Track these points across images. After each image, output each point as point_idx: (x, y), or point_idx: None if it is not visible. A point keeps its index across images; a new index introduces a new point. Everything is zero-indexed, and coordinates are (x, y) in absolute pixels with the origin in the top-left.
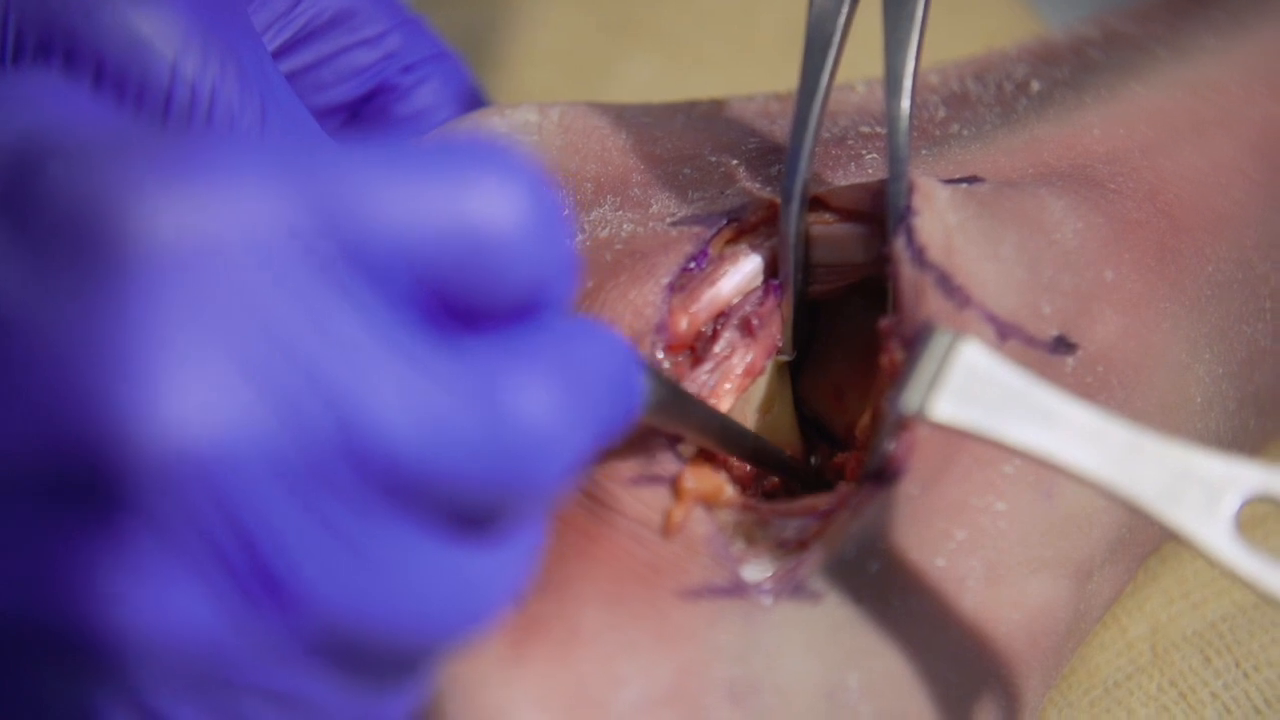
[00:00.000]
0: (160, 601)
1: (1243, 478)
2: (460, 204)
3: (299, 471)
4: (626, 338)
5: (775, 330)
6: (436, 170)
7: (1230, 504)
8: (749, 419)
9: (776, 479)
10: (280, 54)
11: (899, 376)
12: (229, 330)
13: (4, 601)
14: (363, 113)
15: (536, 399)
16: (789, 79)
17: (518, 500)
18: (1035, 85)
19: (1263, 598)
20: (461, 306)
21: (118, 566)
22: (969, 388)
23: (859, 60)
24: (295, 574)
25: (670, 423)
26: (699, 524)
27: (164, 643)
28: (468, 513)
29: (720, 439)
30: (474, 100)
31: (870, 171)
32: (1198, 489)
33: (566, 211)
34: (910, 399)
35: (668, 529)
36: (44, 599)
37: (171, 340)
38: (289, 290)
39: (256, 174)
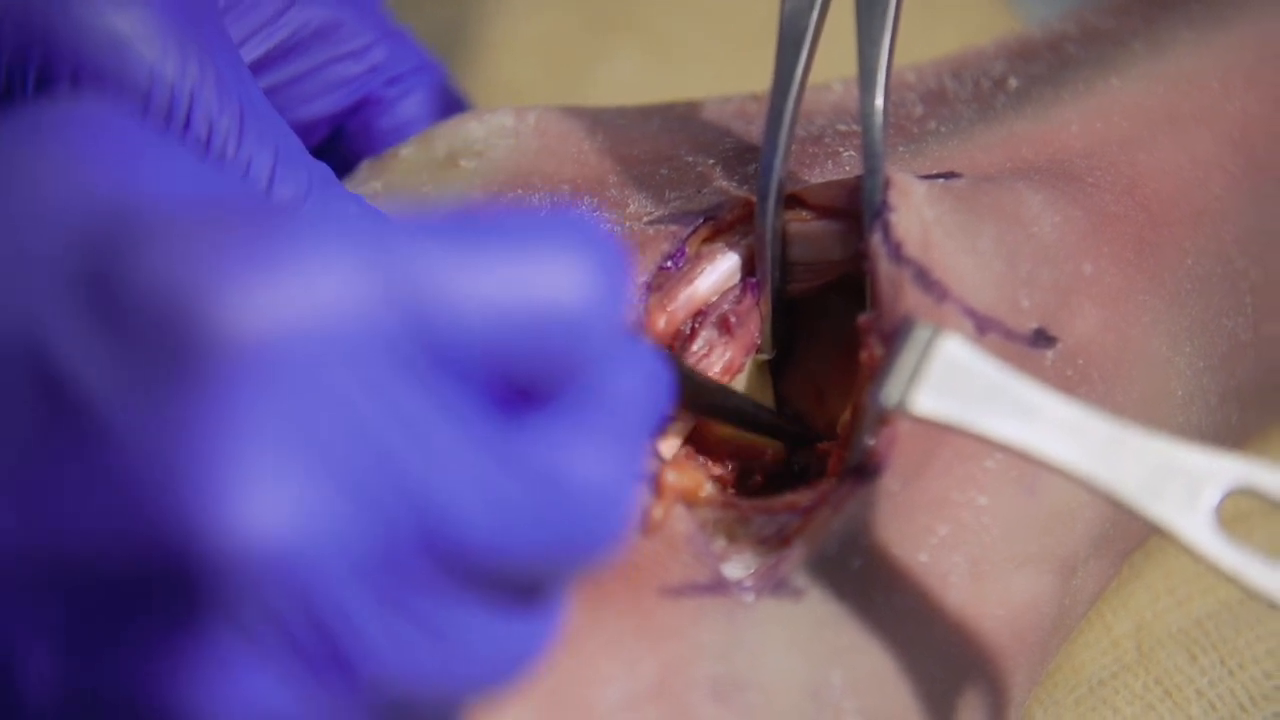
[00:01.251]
0: (237, 691)
1: (1223, 470)
2: (538, 295)
3: (376, 565)
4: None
5: (754, 328)
6: (514, 257)
7: (1211, 497)
8: None
9: (760, 477)
10: (264, 66)
11: (879, 371)
12: (311, 428)
13: (85, 688)
14: (347, 125)
15: (599, 470)
16: (768, 74)
17: (574, 565)
18: (1013, 82)
19: (1244, 591)
20: (530, 385)
21: (196, 660)
22: (949, 382)
23: (836, 59)
24: (369, 658)
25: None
26: (680, 522)
27: None
28: (529, 585)
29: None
30: (458, 110)
31: (848, 169)
32: (1179, 482)
33: (626, 267)
34: (890, 393)
35: (648, 527)
36: (124, 690)
37: (252, 438)
38: (371, 387)
39: (339, 264)
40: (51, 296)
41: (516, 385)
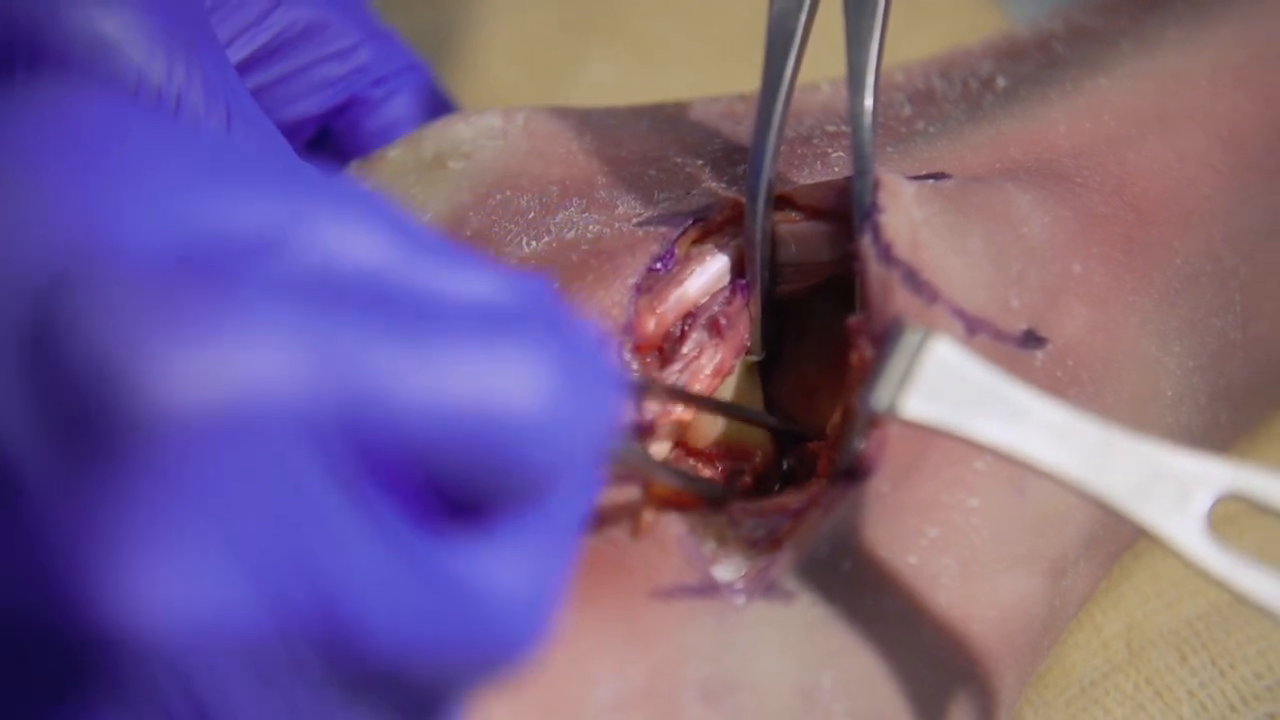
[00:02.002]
0: None
1: (1214, 475)
2: (484, 408)
3: (270, 660)
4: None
5: (744, 330)
6: (467, 359)
7: (1201, 502)
8: (718, 420)
9: (749, 480)
10: (250, 65)
11: (869, 374)
12: (222, 515)
13: None
14: (333, 126)
15: (516, 590)
16: (754, 75)
17: (477, 678)
18: (1001, 81)
19: (1234, 595)
20: (461, 497)
21: None
22: (940, 385)
23: (824, 59)
24: None
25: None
26: (669, 524)
27: None
28: (428, 698)
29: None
30: (444, 111)
31: (836, 170)
32: (1169, 487)
33: (613, 386)
34: (881, 396)
35: (638, 529)
36: None
37: (160, 518)
38: (291, 479)
39: (277, 345)
40: None
41: (447, 496)
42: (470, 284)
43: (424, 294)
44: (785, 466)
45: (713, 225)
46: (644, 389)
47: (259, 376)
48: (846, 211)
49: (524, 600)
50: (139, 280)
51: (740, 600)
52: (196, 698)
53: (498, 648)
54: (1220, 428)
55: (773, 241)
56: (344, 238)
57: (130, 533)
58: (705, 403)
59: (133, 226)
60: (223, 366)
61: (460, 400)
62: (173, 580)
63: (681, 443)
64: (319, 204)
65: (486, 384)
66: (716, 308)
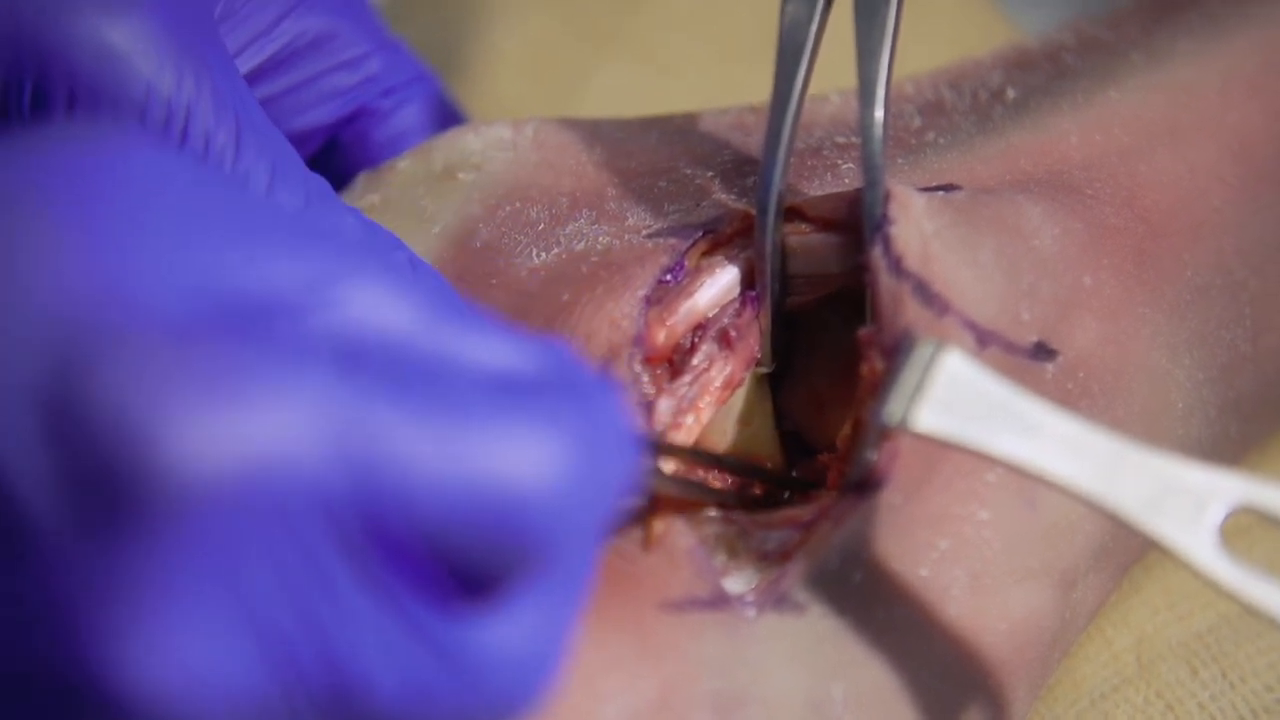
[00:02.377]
0: None
1: (1226, 488)
2: (500, 488)
3: None
4: (603, 364)
5: (754, 342)
6: (485, 437)
7: (1214, 515)
8: (728, 431)
9: (759, 492)
10: (260, 75)
11: (881, 387)
12: (233, 584)
13: None
14: (342, 136)
15: (523, 656)
16: (764, 86)
17: None
18: (1011, 93)
19: (1246, 609)
20: (472, 573)
21: None
22: (952, 398)
23: (834, 70)
24: None
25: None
26: (680, 536)
27: None
28: None
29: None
30: (453, 121)
31: (847, 181)
32: (1181, 500)
33: (628, 457)
34: (893, 410)
35: (648, 542)
36: None
37: (168, 586)
38: (303, 551)
39: (295, 415)
40: (9, 411)
41: (464, 576)
42: (493, 351)
43: (446, 362)
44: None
45: (723, 237)
46: (656, 449)
47: (277, 447)
48: (857, 223)
49: (529, 665)
50: (160, 338)
51: (751, 613)
52: None
53: (503, 710)
54: (1230, 440)
55: (783, 253)
56: (370, 302)
57: (141, 597)
58: (713, 459)
59: (155, 282)
60: (242, 434)
61: (473, 481)
62: (181, 646)
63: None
64: (346, 267)
65: (499, 465)
66: (726, 319)
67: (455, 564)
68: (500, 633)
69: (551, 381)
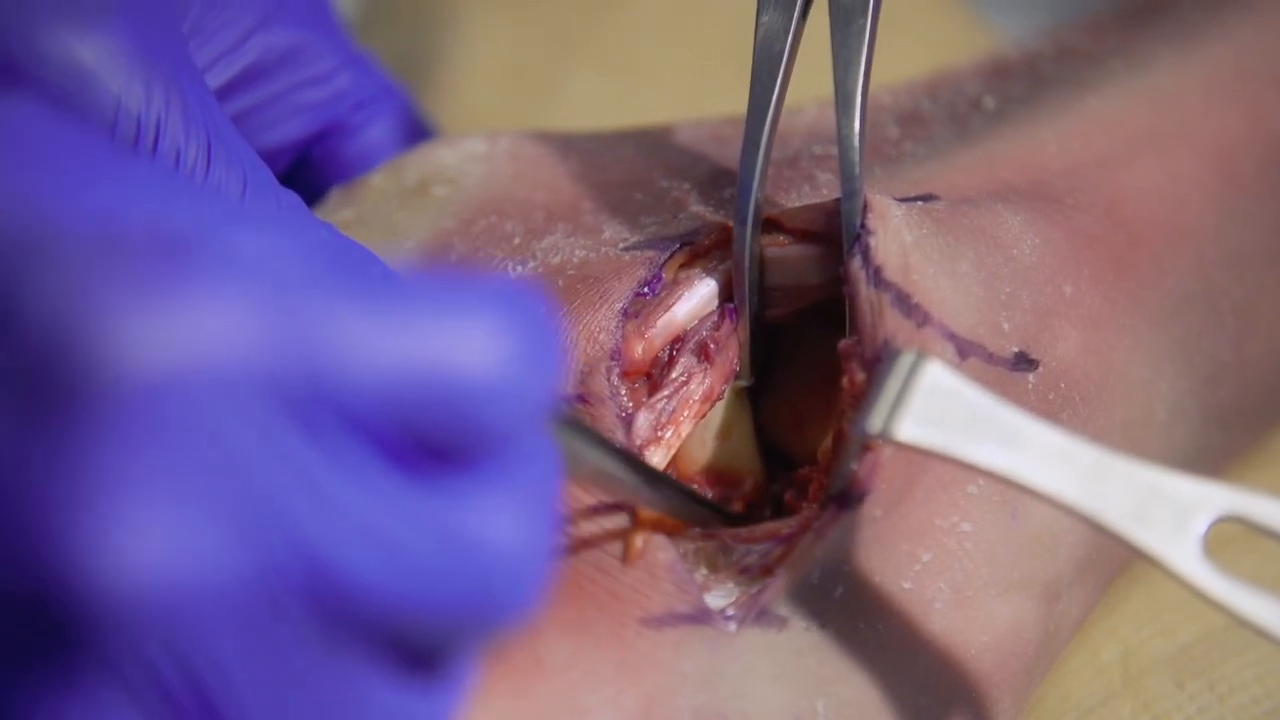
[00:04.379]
0: None
1: (1210, 498)
2: (446, 359)
3: (255, 612)
4: (581, 365)
5: (733, 355)
6: (417, 315)
7: (1199, 525)
8: (707, 446)
9: (740, 506)
10: (227, 91)
11: (863, 398)
12: (193, 470)
13: None
14: (312, 152)
15: (509, 534)
16: (737, 95)
17: (475, 631)
18: (989, 101)
19: (1232, 619)
20: (434, 446)
21: (64, 703)
22: (934, 409)
23: (810, 81)
24: (242, 717)
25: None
26: (660, 551)
27: None
28: (420, 650)
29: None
30: (423, 135)
31: (825, 192)
32: (1165, 510)
33: (558, 345)
34: (874, 420)
35: (628, 556)
36: None
37: (129, 476)
38: (258, 430)
39: (238, 305)
40: None
41: (424, 448)
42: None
43: (378, 270)
44: (775, 492)
45: (700, 249)
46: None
47: (221, 334)
48: (835, 234)
49: (516, 548)
50: (92, 244)
51: (732, 627)
52: (183, 658)
53: (492, 597)
54: (1213, 449)
55: (761, 265)
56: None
57: (100, 492)
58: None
59: (75, 207)
60: (184, 325)
61: (415, 358)
62: (148, 537)
63: (670, 467)
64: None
65: (438, 344)
66: (705, 332)
67: (418, 443)
68: (480, 509)
69: (477, 285)
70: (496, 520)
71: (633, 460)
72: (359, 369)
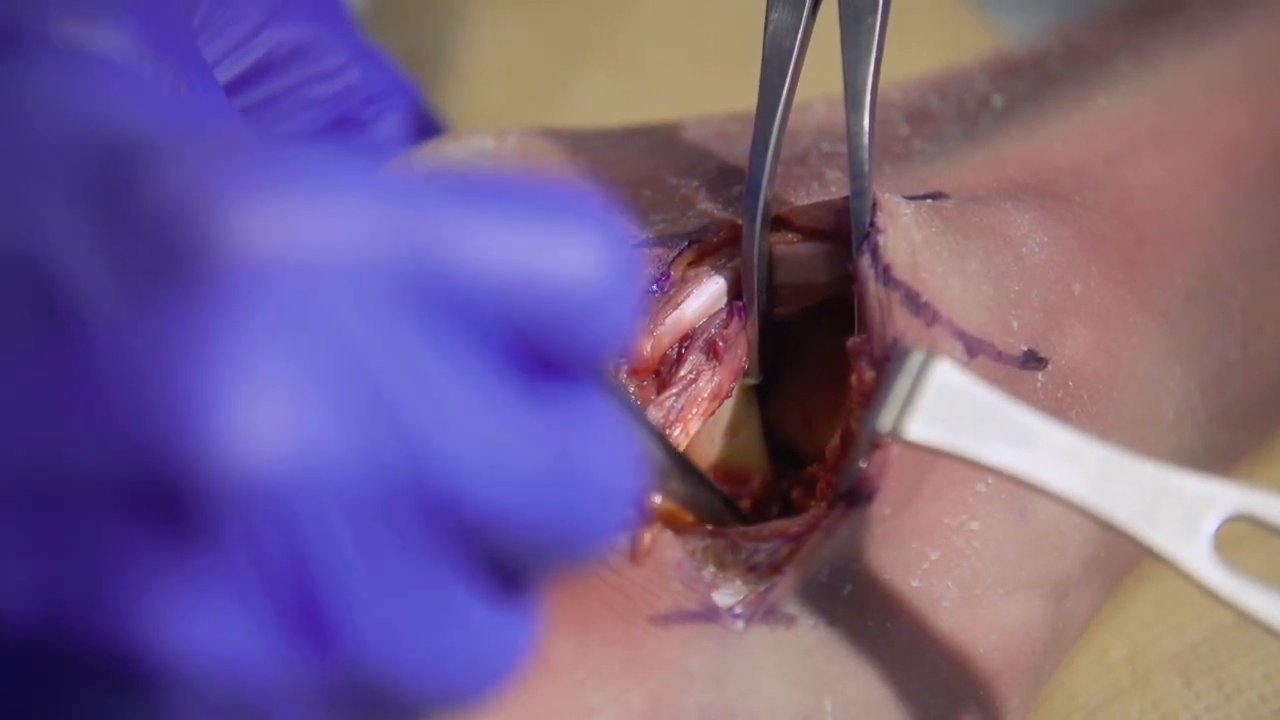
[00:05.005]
0: (207, 628)
1: (1221, 497)
2: (554, 255)
3: (363, 505)
4: None
5: (741, 353)
6: (533, 218)
7: (1209, 524)
8: (716, 443)
9: (748, 504)
10: (237, 86)
11: (872, 396)
12: (311, 355)
13: (46, 610)
14: None
15: (607, 456)
16: (745, 94)
17: (568, 551)
18: (997, 99)
19: (1243, 618)
20: (541, 352)
21: (171, 586)
22: (943, 407)
23: (819, 78)
24: (345, 616)
25: None
26: (668, 548)
27: (202, 671)
28: (513, 566)
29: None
30: (435, 131)
31: (833, 190)
32: (1176, 509)
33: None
34: (884, 419)
35: (636, 554)
36: (91, 612)
37: (251, 358)
38: (377, 322)
39: (357, 196)
40: (54, 200)
41: (534, 353)
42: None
43: (482, 179)
44: (783, 490)
45: (709, 247)
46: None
47: (342, 223)
48: (844, 232)
49: (614, 473)
50: (222, 138)
51: (740, 625)
52: (289, 542)
53: (588, 518)
54: (1220, 448)
55: (770, 263)
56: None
57: (216, 370)
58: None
59: (191, 111)
60: (308, 213)
61: (527, 260)
62: (264, 418)
63: None
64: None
65: (549, 250)
66: (714, 330)
67: (532, 350)
68: (582, 430)
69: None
70: (600, 441)
71: (665, 443)
72: (477, 267)
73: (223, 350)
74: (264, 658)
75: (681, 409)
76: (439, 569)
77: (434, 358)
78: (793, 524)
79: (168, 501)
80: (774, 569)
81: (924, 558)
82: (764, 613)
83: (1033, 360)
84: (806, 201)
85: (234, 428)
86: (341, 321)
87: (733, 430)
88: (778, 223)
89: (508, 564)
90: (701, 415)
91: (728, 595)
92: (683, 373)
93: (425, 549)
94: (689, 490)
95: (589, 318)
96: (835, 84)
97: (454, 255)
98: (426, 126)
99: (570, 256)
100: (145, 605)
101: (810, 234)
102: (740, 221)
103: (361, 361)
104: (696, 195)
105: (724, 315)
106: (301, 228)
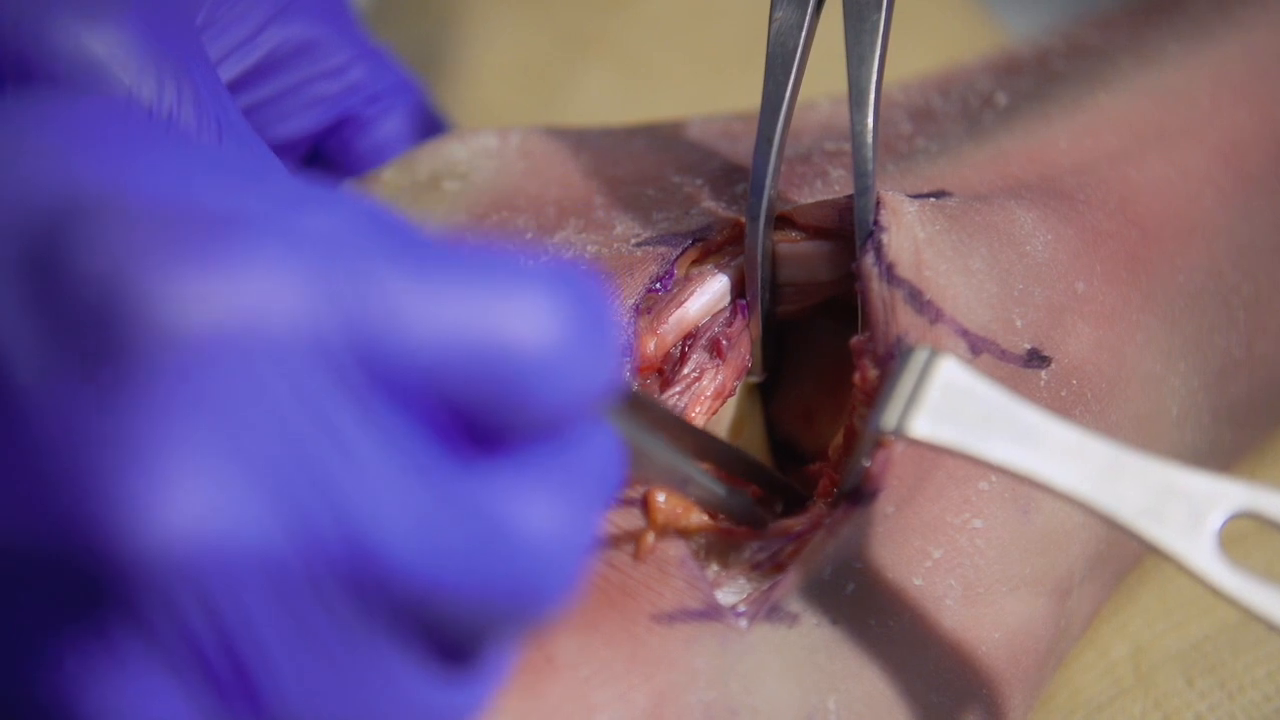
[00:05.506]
0: (135, 700)
1: (1225, 495)
2: (491, 330)
3: (291, 583)
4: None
5: (745, 351)
6: (472, 286)
7: (1214, 521)
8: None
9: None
10: (242, 84)
11: (876, 394)
12: (236, 433)
13: None
14: (326, 145)
15: (547, 525)
16: (748, 92)
17: (508, 622)
18: (1001, 98)
19: (1248, 615)
20: (482, 425)
21: (101, 663)
22: (947, 405)
23: (823, 77)
24: (272, 684)
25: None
26: (672, 547)
27: None
28: (452, 638)
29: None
30: (438, 130)
31: (837, 188)
32: (1180, 506)
33: (617, 329)
34: (888, 417)
35: (640, 552)
36: (26, 687)
37: (173, 436)
38: (305, 398)
39: (284, 270)
40: None
41: (469, 426)
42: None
43: (427, 239)
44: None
45: (712, 245)
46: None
47: (269, 298)
48: (848, 230)
49: (551, 540)
50: (147, 210)
51: (743, 624)
52: (216, 617)
53: (525, 587)
54: (1224, 446)
55: (773, 261)
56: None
57: (142, 450)
58: (713, 444)
59: (134, 178)
60: (232, 287)
61: (466, 329)
62: (187, 495)
63: None
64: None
65: (491, 316)
66: (717, 328)
67: (465, 421)
68: (522, 498)
69: (530, 263)
70: (535, 510)
71: (701, 436)
72: (406, 337)
73: (145, 431)
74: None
75: (685, 407)
76: (370, 640)
77: (363, 434)
78: (796, 522)
79: (95, 581)
80: (777, 567)
81: (927, 556)
82: (767, 611)
83: (1036, 358)
84: (810, 200)
85: (152, 509)
86: (268, 398)
87: (736, 428)
88: (781, 221)
89: (450, 634)
90: (705, 414)
91: (731, 594)
92: (686, 371)
93: (356, 621)
94: (718, 494)
95: (531, 386)
96: (839, 83)
97: (385, 329)
98: (430, 125)
99: (509, 325)
100: (73, 674)
101: (814, 232)
102: (744, 220)
103: (288, 439)
104: (700, 194)
105: (727, 313)
106: (228, 305)
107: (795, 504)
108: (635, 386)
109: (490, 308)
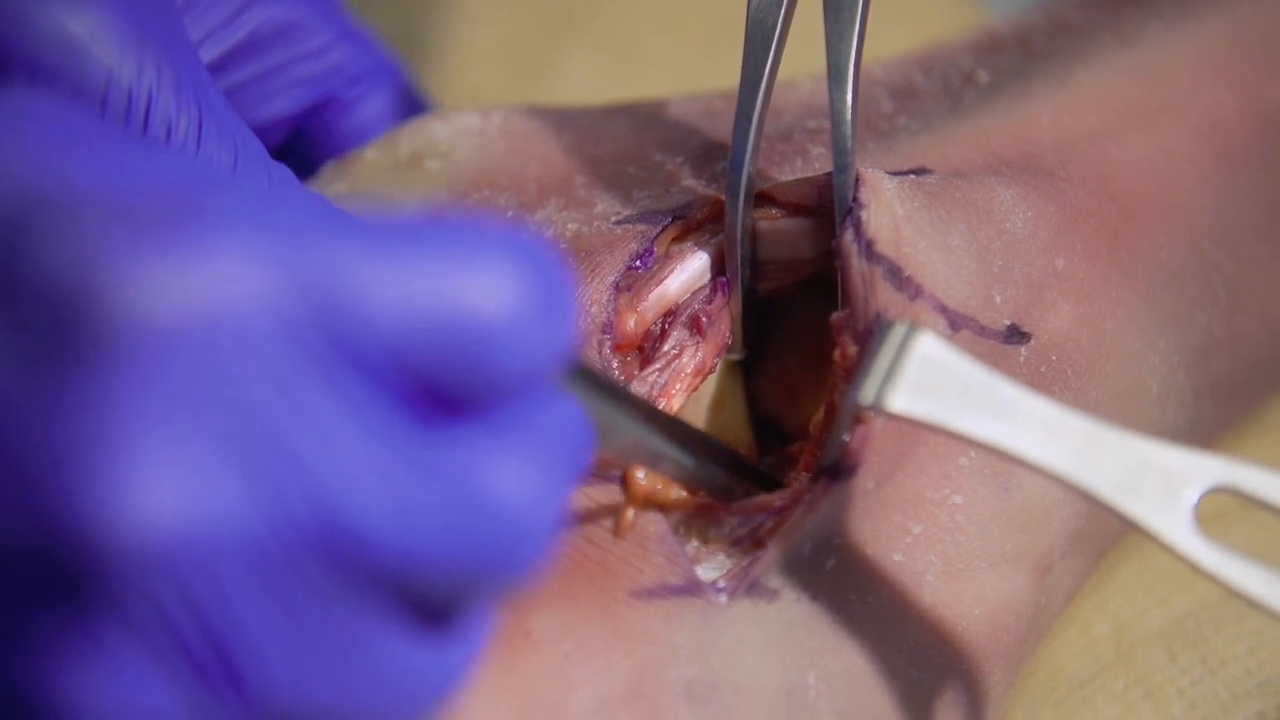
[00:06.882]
0: (123, 691)
1: (1201, 469)
2: (458, 301)
3: (267, 561)
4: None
5: (725, 328)
6: (430, 258)
7: (1190, 496)
8: (700, 419)
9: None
10: (222, 65)
11: (855, 369)
12: (206, 417)
13: None
14: (307, 127)
15: (519, 488)
16: (730, 71)
17: (486, 585)
18: (982, 76)
19: (1224, 589)
20: (447, 393)
21: (82, 654)
22: (926, 380)
23: (803, 55)
24: (256, 665)
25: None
26: (651, 523)
27: None
28: (432, 603)
29: (667, 442)
30: (419, 111)
31: (817, 166)
32: (1157, 481)
33: (573, 295)
34: (867, 391)
35: (619, 528)
36: (7, 683)
37: (141, 424)
38: (272, 379)
39: (246, 252)
40: None
41: (436, 395)
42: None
43: (383, 221)
44: (766, 464)
45: (693, 223)
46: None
47: (232, 281)
48: (828, 208)
49: (524, 500)
50: (105, 202)
51: (723, 599)
52: (195, 604)
53: (501, 550)
54: (1205, 423)
55: (753, 239)
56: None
57: (111, 441)
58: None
59: (92, 171)
60: (196, 272)
61: (425, 299)
62: (160, 484)
63: None
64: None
65: (448, 285)
66: (697, 306)
67: (431, 389)
68: (483, 461)
69: (489, 230)
70: (505, 471)
71: (663, 418)
72: (368, 310)
73: (115, 419)
74: (179, 706)
75: (665, 384)
76: (352, 611)
77: (333, 408)
78: (776, 498)
79: (72, 575)
80: (757, 543)
81: (907, 532)
82: (747, 587)
83: (1016, 335)
84: (790, 178)
85: (124, 498)
86: (236, 380)
87: (717, 406)
88: (761, 199)
89: (430, 600)
90: (685, 391)
91: (711, 569)
92: (666, 348)
93: (335, 595)
94: (690, 466)
95: (492, 351)
96: (820, 61)
97: (349, 304)
98: (411, 107)
99: (468, 293)
100: (55, 667)
101: (793, 210)
102: (723, 197)
103: (254, 415)
104: (680, 172)
105: (708, 291)
106: (192, 290)
107: (763, 484)
108: (605, 369)
109: (446, 277)
